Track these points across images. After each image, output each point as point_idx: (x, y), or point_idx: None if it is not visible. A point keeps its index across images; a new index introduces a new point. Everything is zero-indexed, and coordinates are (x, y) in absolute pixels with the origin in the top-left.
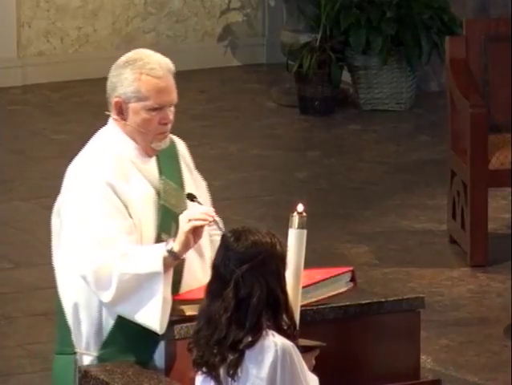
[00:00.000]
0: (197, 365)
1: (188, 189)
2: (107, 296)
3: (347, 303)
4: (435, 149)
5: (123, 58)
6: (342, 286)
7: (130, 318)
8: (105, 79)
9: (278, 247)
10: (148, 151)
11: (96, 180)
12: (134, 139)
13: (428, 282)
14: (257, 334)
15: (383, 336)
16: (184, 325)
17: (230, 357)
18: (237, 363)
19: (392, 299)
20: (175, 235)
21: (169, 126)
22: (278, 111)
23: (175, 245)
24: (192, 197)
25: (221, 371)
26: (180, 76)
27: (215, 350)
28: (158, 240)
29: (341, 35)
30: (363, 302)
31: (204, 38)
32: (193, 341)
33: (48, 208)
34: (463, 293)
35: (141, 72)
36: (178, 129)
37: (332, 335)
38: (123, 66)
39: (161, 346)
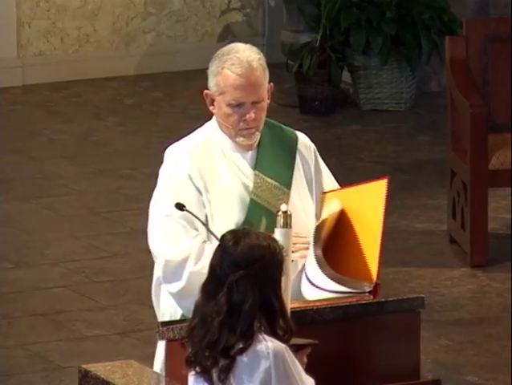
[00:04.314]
0: (190, 363)
1: (296, 187)
2: (174, 287)
3: (347, 303)
4: (435, 149)
5: (218, 51)
6: (359, 293)
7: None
8: (105, 79)
9: (276, 254)
10: (239, 145)
11: (177, 170)
12: (223, 132)
13: (428, 282)
14: (248, 340)
15: (383, 336)
16: (185, 325)
17: (222, 362)
18: (228, 369)
19: (392, 299)
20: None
21: (254, 122)
22: (278, 111)
23: None
24: (181, 207)
25: (214, 374)
26: (180, 76)
27: (207, 353)
28: None
29: (341, 35)
30: (363, 302)
31: (204, 38)
32: (188, 337)
33: (48, 208)
34: (463, 293)
35: (223, 67)
36: (178, 129)
37: (332, 335)
38: (213, 59)
39: (161, 346)
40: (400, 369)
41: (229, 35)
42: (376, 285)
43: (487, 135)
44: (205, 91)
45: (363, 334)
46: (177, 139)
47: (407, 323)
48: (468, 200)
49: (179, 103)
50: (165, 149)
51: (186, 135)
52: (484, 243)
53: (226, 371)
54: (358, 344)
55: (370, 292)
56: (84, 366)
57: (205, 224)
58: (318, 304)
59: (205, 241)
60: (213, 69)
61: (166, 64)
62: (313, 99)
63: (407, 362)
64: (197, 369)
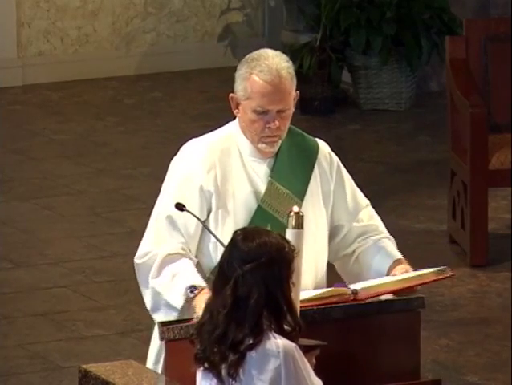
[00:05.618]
0: (199, 359)
1: (310, 198)
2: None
3: (347, 303)
4: (435, 149)
5: (247, 55)
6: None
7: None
8: (105, 79)
9: (283, 251)
10: (259, 151)
11: (185, 169)
12: (246, 136)
13: None
14: (258, 336)
15: (383, 336)
16: (185, 325)
17: (231, 357)
18: (237, 364)
19: (392, 299)
20: None
21: (278, 131)
22: None
23: (196, 300)
24: (180, 207)
25: (223, 370)
26: (180, 76)
27: (215, 349)
28: None
29: (341, 35)
30: (363, 302)
31: (204, 38)
32: (197, 333)
33: (48, 208)
34: (463, 293)
35: (251, 72)
36: (178, 129)
37: (332, 335)
38: (242, 63)
39: (161, 346)
40: (400, 369)
41: (229, 35)
42: (358, 299)
43: (487, 135)
44: (231, 95)
45: (363, 334)
46: (177, 140)
47: (407, 323)
48: (468, 200)
49: (179, 103)
50: (165, 149)
51: (186, 136)
52: (484, 243)
53: (236, 366)
54: (358, 344)
55: (353, 293)
56: (84, 366)
57: (206, 226)
58: (318, 304)
59: (183, 250)
60: (241, 73)
61: (166, 64)
62: (313, 99)
63: (407, 362)
64: (206, 365)
